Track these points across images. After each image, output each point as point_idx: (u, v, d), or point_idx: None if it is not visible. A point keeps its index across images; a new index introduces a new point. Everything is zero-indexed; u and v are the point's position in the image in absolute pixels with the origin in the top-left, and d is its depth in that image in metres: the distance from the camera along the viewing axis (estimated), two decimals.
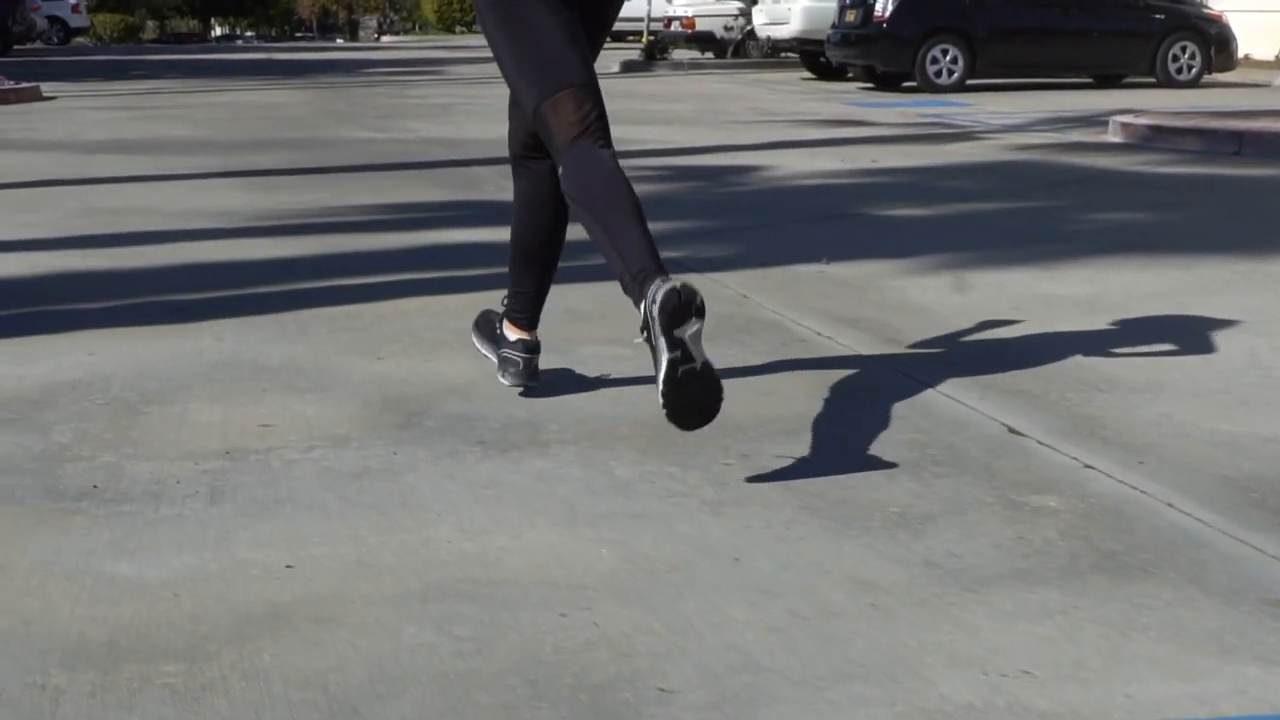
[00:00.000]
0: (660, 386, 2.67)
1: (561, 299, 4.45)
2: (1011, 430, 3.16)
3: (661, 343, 2.66)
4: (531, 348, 3.42)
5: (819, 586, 2.28)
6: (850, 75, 19.22)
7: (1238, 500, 2.70)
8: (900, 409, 3.31)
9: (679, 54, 24.35)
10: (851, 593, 2.25)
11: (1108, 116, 11.59)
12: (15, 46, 28.24)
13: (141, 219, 6.44)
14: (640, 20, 23.71)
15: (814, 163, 9.02)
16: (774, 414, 3.28)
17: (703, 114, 13.31)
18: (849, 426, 3.18)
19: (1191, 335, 4.12)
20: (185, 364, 3.73)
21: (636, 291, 2.75)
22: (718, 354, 3.80)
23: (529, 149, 3.28)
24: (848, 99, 15.86)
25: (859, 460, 2.93)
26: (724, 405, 3.29)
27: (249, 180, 8.03)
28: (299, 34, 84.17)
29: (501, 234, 3.66)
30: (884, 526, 2.55)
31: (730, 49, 24.22)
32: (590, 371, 3.66)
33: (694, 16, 24.52)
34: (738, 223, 6.53)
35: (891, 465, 2.90)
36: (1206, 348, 3.96)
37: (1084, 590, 2.26)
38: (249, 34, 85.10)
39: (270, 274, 5.07)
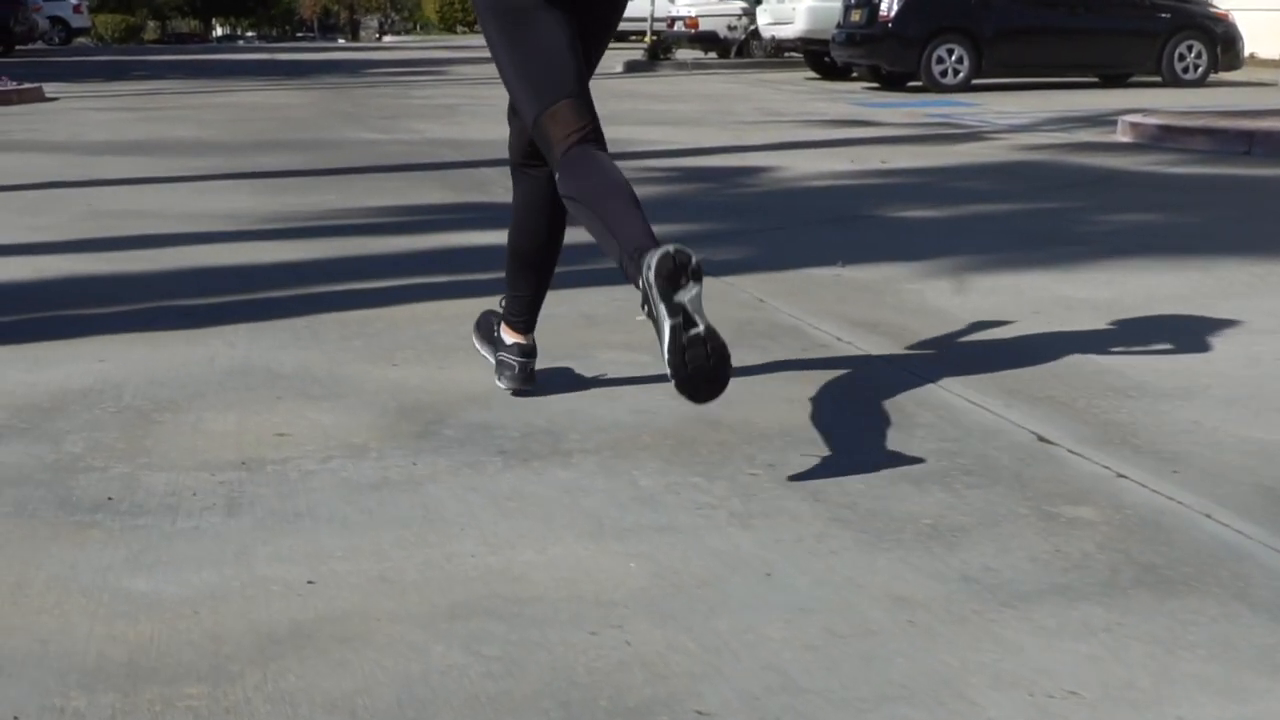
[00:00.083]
0: (666, 356, 2.64)
1: (575, 303, 4.41)
2: (1041, 438, 3.10)
3: (661, 309, 2.64)
4: (528, 351, 3.43)
5: (855, 603, 2.22)
6: (855, 75, 19.17)
7: (1277, 511, 2.64)
8: (925, 416, 3.26)
9: (682, 54, 24.31)
10: (889, 609, 2.19)
11: (1115, 116, 11.54)
12: (17, 47, 28.20)
13: (148, 222, 6.39)
14: (644, 20, 23.66)
15: (823, 163, 8.97)
16: (797, 421, 3.22)
17: (708, 114, 13.26)
18: (874, 435, 3.12)
19: (1217, 339, 4.06)
20: (197, 371, 3.68)
21: (634, 268, 2.73)
22: (737, 360, 3.76)
23: (528, 156, 3.28)
24: (853, 99, 15.80)
25: (887, 470, 2.88)
26: (747, 413, 3.27)
27: (255, 182, 7.97)
28: (300, 34, 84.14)
29: None
30: (917, 539, 2.50)
31: (734, 49, 24.16)
32: (608, 378, 3.61)
33: (697, 16, 24.46)
34: (749, 225, 6.47)
35: (921, 475, 2.84)
36: (1233, 352, 3.90)
37: (1127, 606, 2.21)
38: (250, 34, 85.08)
39: (280, 278, 5.02)
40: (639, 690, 1.93)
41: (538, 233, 3.35)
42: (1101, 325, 4.26)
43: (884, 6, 16.80)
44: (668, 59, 22.94)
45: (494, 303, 3.59)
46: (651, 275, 2.63)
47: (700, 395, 2.69)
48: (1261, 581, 2.31)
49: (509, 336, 3.46)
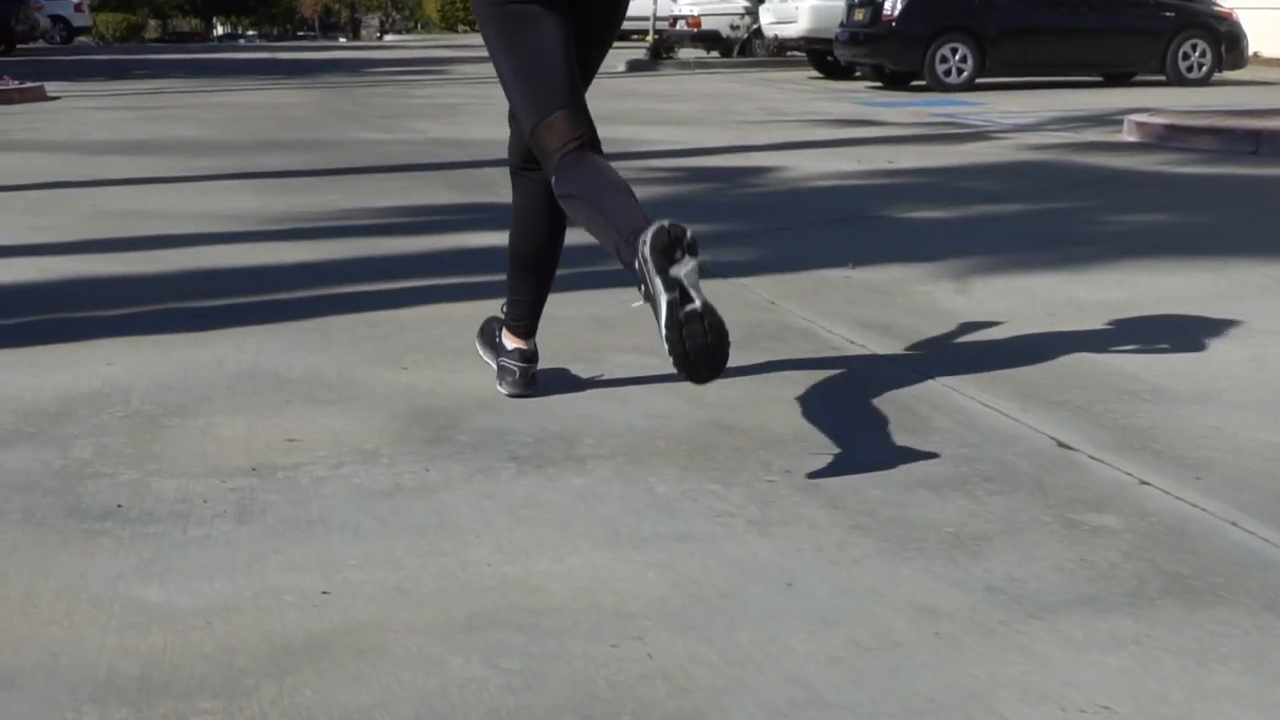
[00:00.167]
0: (663, 332, 2.62)
1: (585, 305, 4.38)
2: (1060, 443, 3.06)
3: (658, 284, 2.62)
4: (529, 357, 3.42)
5: (879, 614, 2.18)
6: (858, 74, 19.12)
7: None
8: (942, 421, 3.22)
9: (685, 53, 24.25)
10: (913, 620, 2.16)
11: (1121, 115, 11.50)
12: (19, 45, 28.16)
13: (153, 222, 6.35)
14: (646, 19, 23.60)
15: (829, 163, 8.93)
16: (813, 426, 3.18)
17: (711, 114, 13.21)
18: (891, 440, 3.09)
19: (1232, 342, 4.02)
20: (206, 374, 3.64)
21: (629, 251, 2.71)
22: (750, 362, 3.74)
23: (528, 160, 3.28)
24: (857, 98, 15.76)
25: (906, 476, 2.84)
26: (761, 418, 3.24)
27: (259, 182, 7.94)
28: (301, 33, 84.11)
29: None
30: (939, 548, 2.46)
31: (736, 48, 24.11)
32: (620, 382, 3.57)
33: (700, 15, 24.41)
34: (756, 225, 6.44)
35: (940, 482, 2.80)
36: (1249, 355, 3.86)
37: (1156, 617, 2.17)
38: (251, 33, 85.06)
39: (287, 280, 4.98)
40: (662, 704, 1.90)
41: (538, 236, 3.35)
42: (1115, 327, 4.22)
43: (888, 5, 16.76)
44: (670, 58, 22.91)
45: (501, 305, 3.56)
46: (646, 250, 2.63)
47: (699, 374, 2.67)
48: None
49: (510, 342, 3.45)
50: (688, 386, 3.48)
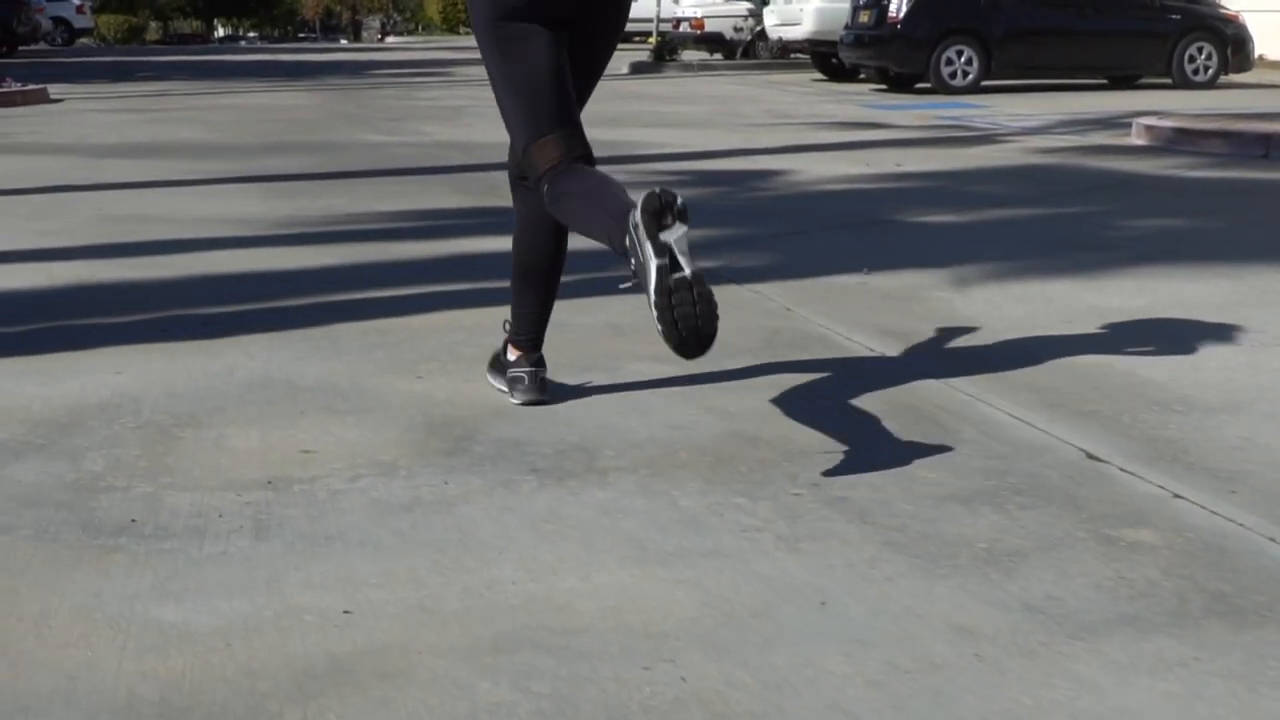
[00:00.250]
0: (652, 298, 2.62)
1: (601, 312, 4.32)
2: (1090, 455, 3.01)
3: (648, 249, 2.62)
4: (536, 361, 3.40)
5: (916, 634, 2.13)
6: (862, 76, 19.06)
7: None
8: (969, 432, 3.16)
9: (688, 55, 24.18)
10: (952, 641, 2.10)
11: (1128, 118, 11.44)
12: (20, 48, 28.10)
13: (159, 227, 6.29)
14: (649, 21, 23.54)
15: (836, 166, 8.87)
16: (837, 437, 3.13)
17: (716, 116, 13.15)
18: (918, 452, 3.02)
19: (1256, 350, 3.97)
20: (217, 383, 3.58)
21: (620, 231, 2.71)
22: (769, 372, 3.68)
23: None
24: (862, 101, 15.70)
25: (936, 489, 2.78)
26: (784, 428, 3.18)
27: (265, 186, 7.88)
28: (302, 35, 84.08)
29: None
30: (974, 564, 2.40)
31: (740, 50, 24.05)
32: (638, 391, 3.51)
33: (703, 17, 24.35)
34: (767, 230, 6.38)
35: (970, 495, 2.75)
36: (1275, 364, 3.80)
37: (1201, 639, 2.11)
38: (252, 34, 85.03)
39: (296, 286, 4.93)
40: None
41: (545, 246, 3.34)
42: (1136, 335, 4.17)
43: (893, 8, 16.69)
44: (673, 60, 22.83)
45: (504, 321, 3.50)
46: (638, 215, 2.63)
47: (688, 344, 2.64)
48: None
49: (515, 355, 3.42)
50: (708, 396, 3.45)
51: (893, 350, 3.98)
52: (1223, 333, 4.18)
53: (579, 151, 3.06)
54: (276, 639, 2.11)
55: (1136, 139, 10.67)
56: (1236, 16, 17.58)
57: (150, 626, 2.15)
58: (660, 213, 2.63)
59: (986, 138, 11.06)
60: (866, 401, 3.43)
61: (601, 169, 3.15)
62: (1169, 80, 17.05)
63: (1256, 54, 18.07)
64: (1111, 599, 2.26)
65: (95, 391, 3.49)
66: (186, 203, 7.18)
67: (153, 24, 77.10)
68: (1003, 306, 4.60)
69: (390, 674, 1.99)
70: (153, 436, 3.13)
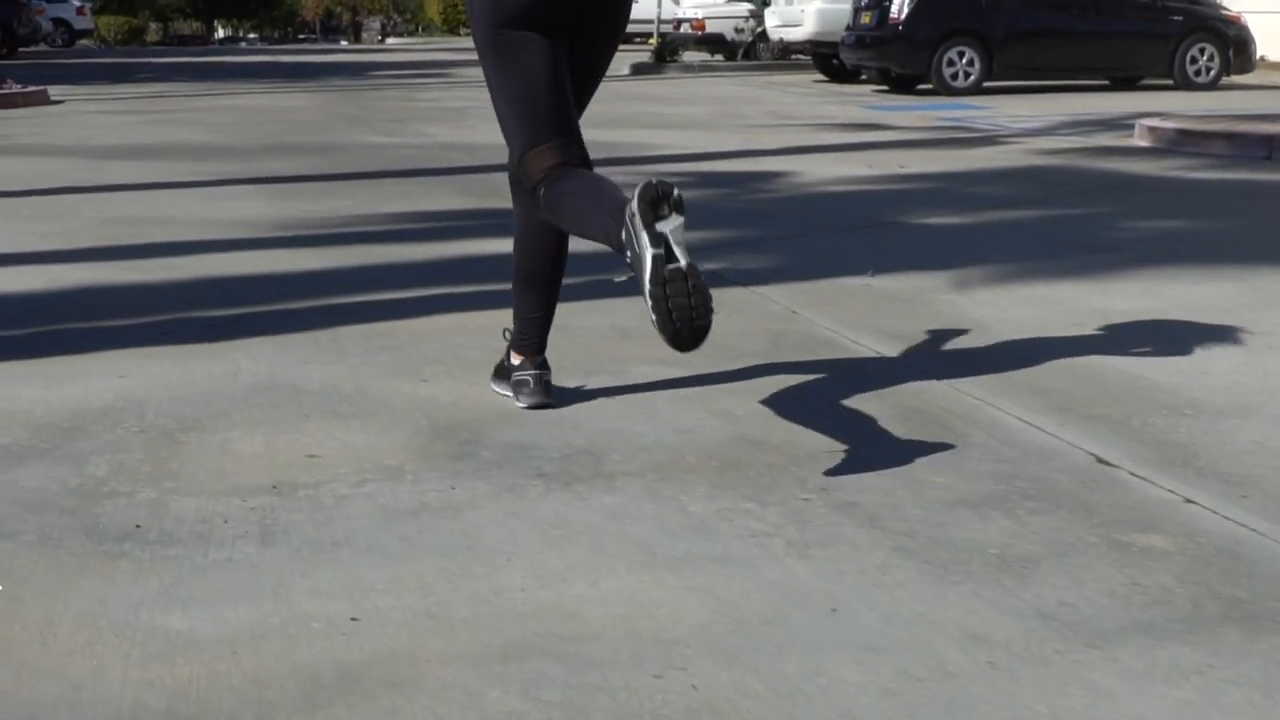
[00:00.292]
0: (646, 288, 2.62)
1: (606, 315, 4.30)
2: (1100, 459, 2.99)
3: (644, 239, 2.62)
4: (541, 364, 3.38)
5: (929, 641, 2.11)
6: (864, 77, 19.05)
7: None
8: (978, 436, 3.14)
9: (689, 56, 24.16)
10: (966, 649, 2.08)
11: (1130, 120, 11.43)
12: (20, 49, 28.09)
13: (162, 229, 6.27)
14: (650, 22, 23.52)
15: (839, 168, 8.85)
16: (845, 441, 3.11)
17: (718, 117, 13.14)
18: (927, 456, 3.00)
19: (1265, 353, 3.95)
20: (221, 387, 3.56)
21: (616, 224, 2.71)
22: (776, 375, 3.66)
23: None
24: (864, 102, 15.68)
25: (945, 494, 2.76)
26: (792, 432, 3.16)
27: (267, 188, 7.86)
28: (302, 35, 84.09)
29: None
30: (986, 570, 2.38)
31: (740, 51, 24.03)
32: (645, 394, 3.50)
33: (704, 18, 24.33)
34: (771, 232, 6.37)
35: (980, 500, 2.73)
36: None
37: (1216, 646, 2.09)
38: (252, 36, 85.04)
39: (299, 288, 4.91)
40: None
41: (547, 248, 3.32)
42: (1143, 338, 4.15)
43: (894, 9, 16.67)
44: (674, 61, 22.81)
45: (505, 330, 3.49)
46: (635, 205, 2.63)
47: (682, 335, 2.64)
48: None
49: (518, 359, 3.40)
50: (715, 399, 3.43)
51: (899, 353, 3.96)
52: (1229, 335, 4.16)
53: (575, 158, 3.06)
54: (283, 647, 2.09)
55: (1139, 140, 10.65)
56: (1238, 18, 17.56)
57: (156, 634, 2.13)
58: (656, 203, 2.63)
59: (989, 139, 11.05)
60: (874, 405, 3.41)
61: (602, 171, 3.14)
62: (1171, 81, 17.02)
63: (1258, 55, 18.05)
64: (1125, 606, 2.24)
65: (98, 395, 3.47)
66: (188, 205, 7.16)
67: (153, 25, 77.10)
68: (1008, 309, 4.58)
69: (398, 682, 1.98)
70: (156, 441, 3.11)
